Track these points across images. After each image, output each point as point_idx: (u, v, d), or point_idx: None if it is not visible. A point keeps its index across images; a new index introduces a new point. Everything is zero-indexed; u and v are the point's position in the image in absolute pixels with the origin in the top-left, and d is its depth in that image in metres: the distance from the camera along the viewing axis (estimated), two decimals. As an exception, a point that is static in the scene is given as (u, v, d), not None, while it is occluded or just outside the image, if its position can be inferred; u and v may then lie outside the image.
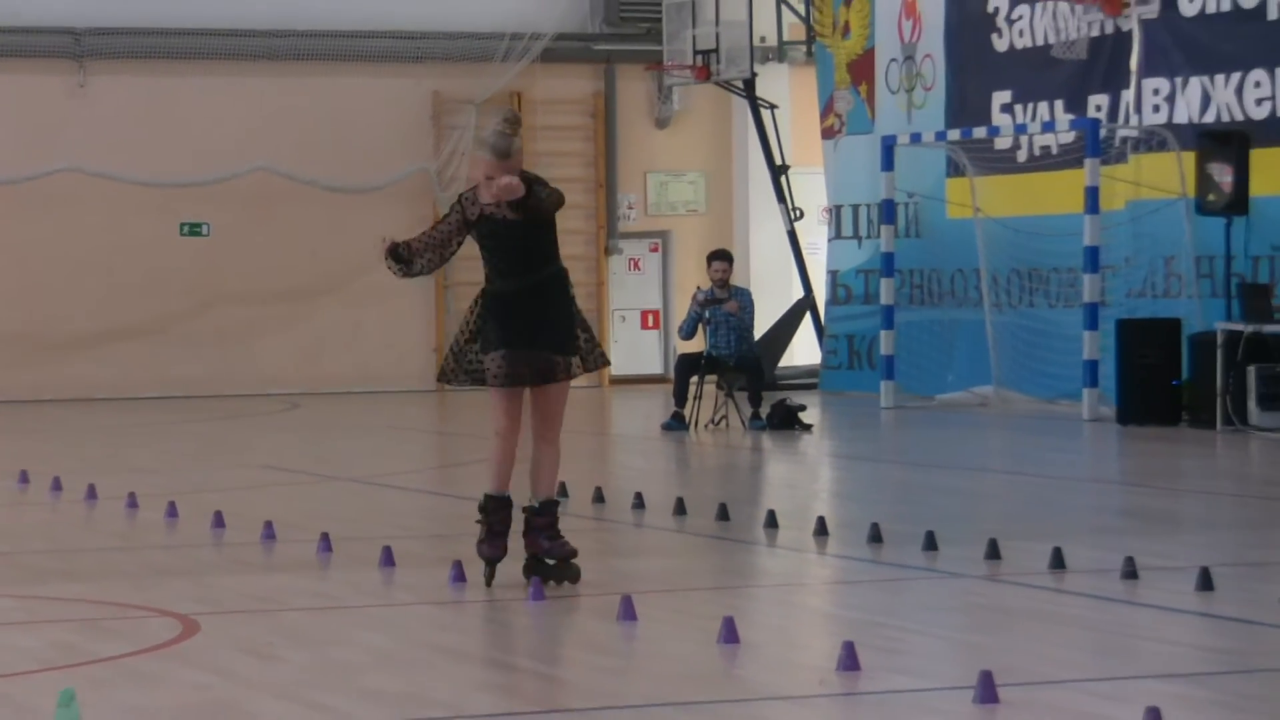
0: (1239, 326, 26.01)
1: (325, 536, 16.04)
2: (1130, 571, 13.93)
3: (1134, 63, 30.08)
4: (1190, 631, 12.36)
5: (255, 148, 36.31)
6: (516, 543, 13.76)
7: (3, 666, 11.24)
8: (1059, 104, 31.04)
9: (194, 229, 36.45)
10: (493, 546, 13.68)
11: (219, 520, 17.46)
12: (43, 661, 11.47)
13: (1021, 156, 31.68)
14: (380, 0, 36.84)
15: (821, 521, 16.68)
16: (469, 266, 37.52)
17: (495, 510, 13.75)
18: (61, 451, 24.70)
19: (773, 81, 37.07)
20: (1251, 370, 25.75)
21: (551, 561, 13.69)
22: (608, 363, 14.35)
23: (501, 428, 14.05)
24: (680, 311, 31.97)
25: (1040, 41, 31.68)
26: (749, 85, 36.34)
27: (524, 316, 13.63)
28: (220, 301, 36.33)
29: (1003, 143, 31.74)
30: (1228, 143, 27.55)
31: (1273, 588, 13.06)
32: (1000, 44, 32.41)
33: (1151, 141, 29.37)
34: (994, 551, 14.94)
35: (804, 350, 35.87)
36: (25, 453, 24.25)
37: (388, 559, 15.01)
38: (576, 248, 38.28)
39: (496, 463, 13.96)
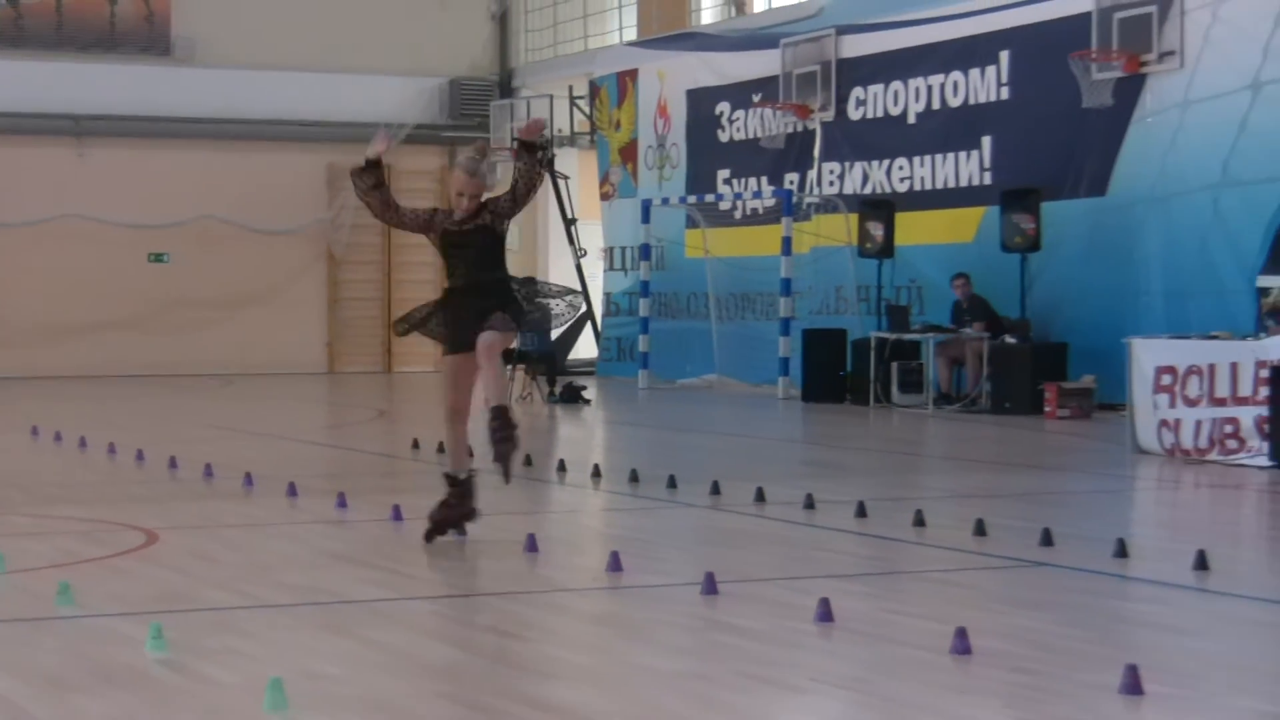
0: (886, 335, 26.20)
1: (249, 475, 15.94)
2: (810, 503, 14.00)
3: (816, 151, 30.23)
4: (851, 545, 12.45)
5: (202, 201, 36.13)
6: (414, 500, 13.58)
7: (20, 564, 11.13)
8: (764, 178, 31.16)
9: (158, 257, 36.19)
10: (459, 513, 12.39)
11: (174, 463, 17.30)
12: (49, 561, 11.38)
13: (738, 215, 31.77)
14: (291, 98, 36.63)
15: (597, 467, 16.70)
16: (354, 285, 37.52)
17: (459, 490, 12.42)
18: (62, 413, 24.42)
19: (566, 159, 37.00)
20: (895, 365, 25.97)
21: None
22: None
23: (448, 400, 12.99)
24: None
25: (751, 135, 31.80)
26: (550, 162, 36.30)
27: (471, 302, 12.37)
28: (176, 307, 36.07)
29: (725, 205, 31.84)
30: (880, 208, 27.74)
31: (907, 515, 13.15)
32: (724, 136, 32.52)
33: (827, 206, 29.53)
34: (716, 489, 14.99)
35: (586, 347, 35.86)
36: (35, 414, 23.95)
37: (293, 490, 14.92)
38: (429, 274, 38.19)
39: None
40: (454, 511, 12.21)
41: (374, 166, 12.45)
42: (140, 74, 35.85)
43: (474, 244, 12.39)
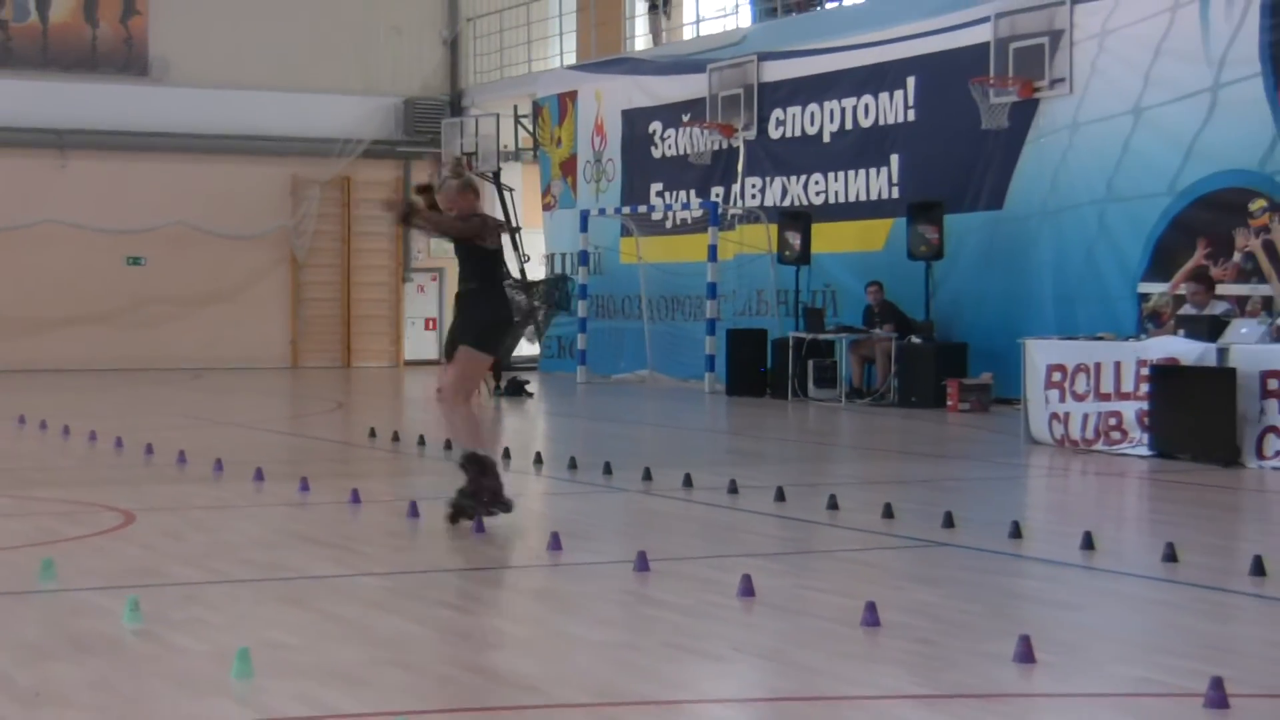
0: (803, 335, 26.24)
1: (219, 460, 15.88)
2: (733, 489, 14.02)
3: (740, 167, 30.26)
4: (770, 527, 12.45)
5: (175, 208, 36.06)
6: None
7: (5, 542, 11.07)
8: (692, 191, 31.18)
9: (134, 260, 36.05)
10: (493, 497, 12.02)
11: (149, 449, 17.24)
12: (31, 539, 11.30)
13: (668, 224, 31.78)
14: (257, 114, 36.56)
15: (538, 455, 16.70)
16: (315, 286, 37.38)
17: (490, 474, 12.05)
18: (46, 403, 24.28)
19: (511, 173, 36.95)
20: (810, 363, 26.01)
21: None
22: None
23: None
24: (449, 320, 31.80)
25: (681, 152, 31.81)
26: (496, 175, 36.17)
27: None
28: (150, 305, 36.00)
29: (656, 215, 31.83)
30: (798, 219, 27.78)
31: (821, 499, 13.17)
32: (656, 153, 32.53)
33: (750, 217, 29.57)
34: (648, 475, 14.99)
35: (529, 344, 35.81)
36: (21, 404, 23.81)
37: (259, 475, 14.87)
38: (384, 276, 38.15)
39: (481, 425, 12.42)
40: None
41: (406, 216, 12.29)
42: (119, 92, 35.74)
43: (460, 254, 12.42)
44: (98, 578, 9.84)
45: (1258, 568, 10.05)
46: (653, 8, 34.50)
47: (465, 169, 13.47)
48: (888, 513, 12.43)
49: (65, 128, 35.30)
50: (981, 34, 25.25)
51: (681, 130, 31.73)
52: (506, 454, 16.97)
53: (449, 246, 12.52)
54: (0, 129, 34.76)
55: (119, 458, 17.13)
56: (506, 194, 36.12)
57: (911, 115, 26.96)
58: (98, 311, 35.61)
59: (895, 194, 27.06)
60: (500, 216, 36.14)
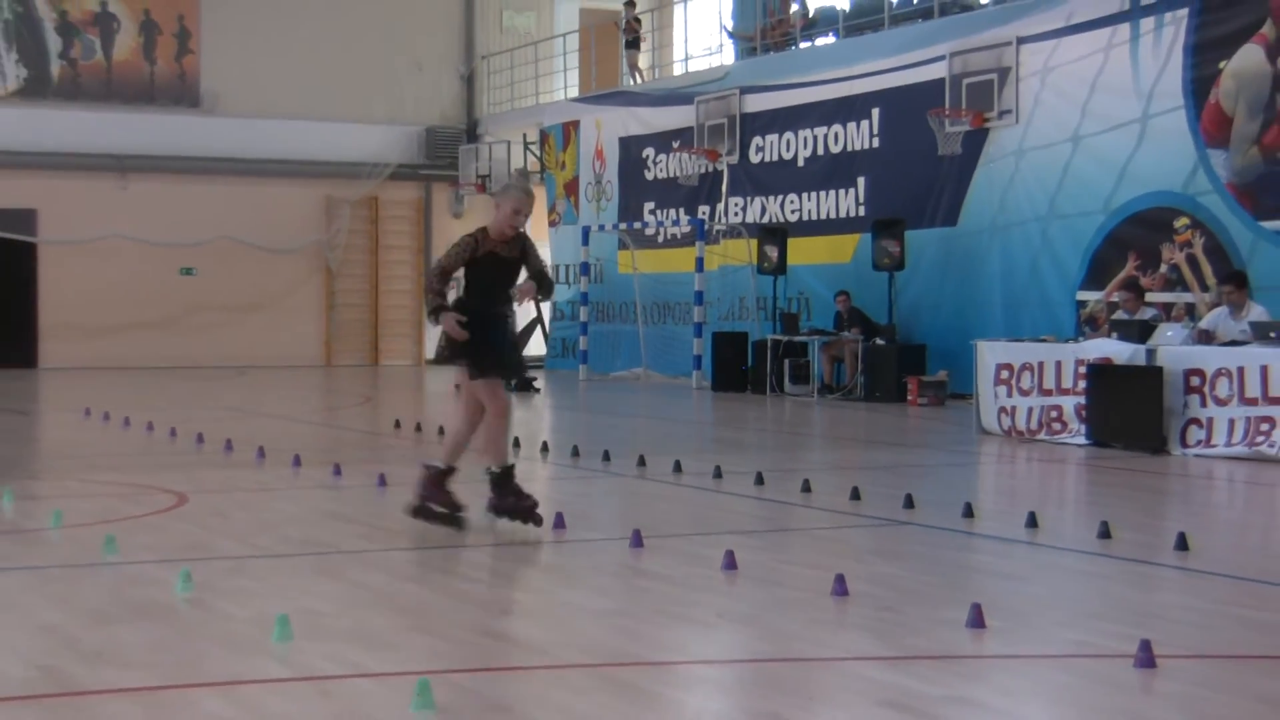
0: (780, 337, 26.24)
1: (261, 448, 15.88)
2: (718, 474, 14.01)
3: (724, 187, 30.25)
4: (749, 507, 12.44)
5: (222, 224, 35.99)
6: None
7: (73, 520, 11.05)
8: (681, 209, 31.17)
9: (187, 270, 35.96)
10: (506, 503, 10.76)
11: (200, 438, 17.24)
12: (97, 518, 11.28)
13: (660, 239, 31.77)
14: (295, 141, 36.50)
15: (545, 444, 16.68)
16: (346, 293, 37.32)
17: (511, 478, 10.76)
18: (108, 397, 24.27)
19: (521, 193, 36.96)
20: (786, 362, 26.00)
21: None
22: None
23: (507, 405, 10.95)
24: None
25: (672, 174, 31.82)
26: (507, 196, 36.27)
27: (502, 331, 10.70)
28: (201, 311, 35.92)
29: (649, 231, 31.82)
30: (775, 234, 27.77)
31: (796, 483, 13.16)
32: (649, 175, 32.52)
33: (733, 232, 29.56)
34: (642, 462, 14.98)
35: (537, 346, 35.80)
36: (86, 398, 23.82)
37: (296, 461, 14.86)
38: (407, 285, 38.09)
39: (504, 438, 10.82)
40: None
41: (438, 310, 10.61)
42: (173, 122, 35.69)
43: (509, 270, 10.69)
44: (154, 552, 9.83)
45: (1182, 543, 10.06)
46: (630, 45, 34.55)
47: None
48: (855, 495, 12.42)
49: (126, 153, 35.25)
50: (938, 70, 25.26)
51: (672, 155, 31.72)
52: (516, 443, 16.97)
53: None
54: (70, 154, 34.76)
55: (173, 446, 17.11)
56: (517, 212, 36.16)
57: (876, 142, 26.96)
58: (155, 316, 35.57)
59: (861, 212, 27.05)
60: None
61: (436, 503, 10.77)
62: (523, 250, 10.69)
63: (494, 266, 10.60)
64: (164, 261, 35.66)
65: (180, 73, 35.99)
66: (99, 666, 6.80)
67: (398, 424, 19.73)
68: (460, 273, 10.75)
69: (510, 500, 10.73)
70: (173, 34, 35.91)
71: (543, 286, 10.66)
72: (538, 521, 10.67)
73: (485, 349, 10.64)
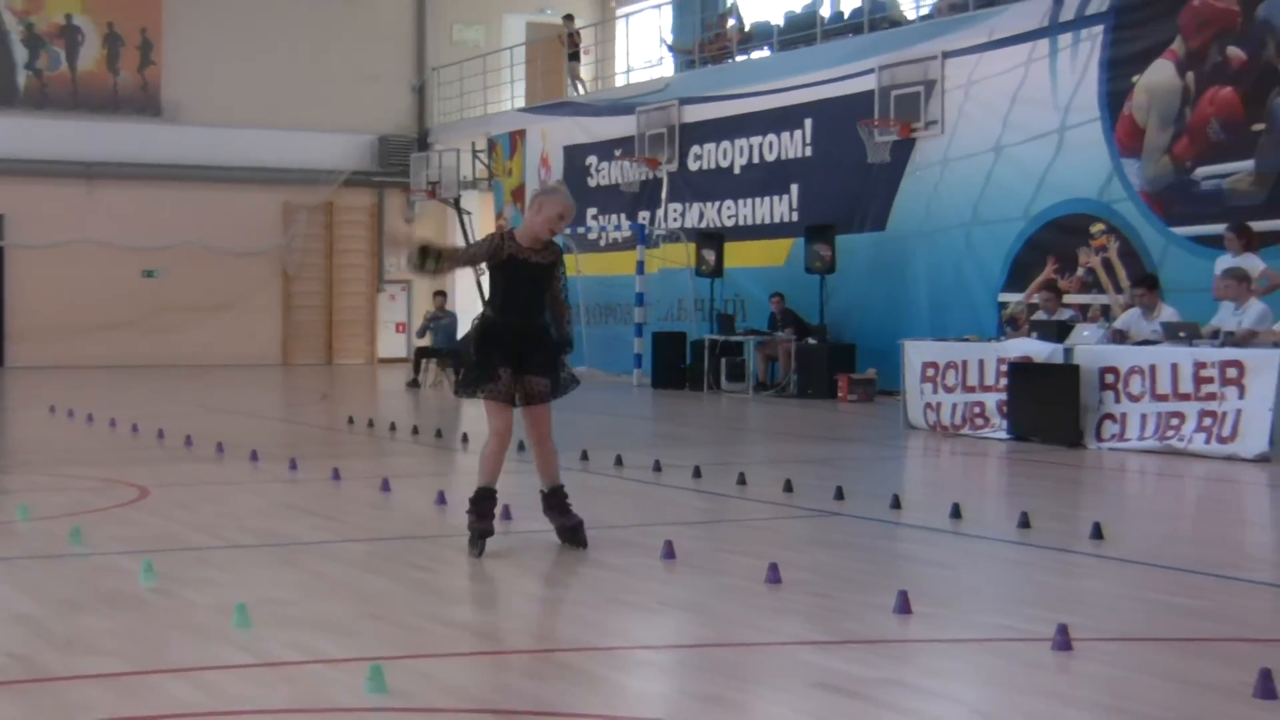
0: (717, 337, 26.29)
1: (220, 443, 15.82)
2: (658, 467, 14.04)
3: (664, 194, 30.30)
4: (688, 499, 12.45)
5: (185, 229, 35.93)
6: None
7: (41, 513, 10.99)
8: (623, 215, 31.21)
9: (150, 273, 35.88)
10: (482, 524, 9.55)
11: (161, 434, 17.18)
12: (63, 510, 11.23)
13: (602, 243, 31.81)
14: (255, 149, 36.48)
15: (494, 439, 16.69)
16: (303, 295, 37.20)
17: (483, 499, 9.64)
18: (73, 395, 24.13)
19: (470, 199, 36.95)
20: (723, 360, 26.07)
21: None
22: (577, 382, 10.02)
23: (499, 428, 9.74)
24: (418, 323, 31.72)
25: (613, 181, 31.84)
26: (457, 201, 36.23)
27: (522, 346, 9.41)
28: (163, 312, 35.82)
29: (593, 235, 31.85)
30: (712, 238, 27.84)
31: (732, 476, 13.19)
32: (592, 182, 32.54)
33: (672, 236, 29.61)
34: (585, 456, 15.00)
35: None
36: (52, 395, 23.68)
37: (255, 456, 14.82)
38: (361, 287, 37.99)
39: (489, 461, 9.75)
40: (567, 519, 9.83)
41: (422, 252, 9.21)
42: (137, 131, 35.54)
43: (538, 278, 9.39)
44: (120, 543, 9.78)
45: (1097, 532, 10.14)
46: (571, 57, 34.62)
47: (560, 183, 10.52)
48: (788, 487, 12.46)
49: (92, 161, 35.09)
50: (867, 83, 25.35)
51: (614, 163, 31.74)
52: (465, 439, 16.95)
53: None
54: (36, 161, 34.60)
55: (137, 441, 17.02)
56: (465, 217, 36.17)
57: (809, 151, 27.04)
58: (119, 318, 35.41)
59: (795, 218, 27.13)
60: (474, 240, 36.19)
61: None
62: (555, 260, 9.41)
63: (519, 271, 9.31)
64: (129, 265, 35.53)
65: (143, 83, 35.81)
66: (68, 654, 6.77)
67: (351, 420, 19.69)
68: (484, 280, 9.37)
69: (554, 518, 9.88)
70: (136, 46, 35.73)
71: (556, 314, 9.53)
72: (580, 543, 9.66)
73: (475, 365, 9.56)
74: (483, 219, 36.92)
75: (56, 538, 9.93)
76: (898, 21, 26.42)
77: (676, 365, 27.47)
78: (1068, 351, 17.07)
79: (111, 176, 35.31)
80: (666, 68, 33.02)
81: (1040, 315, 18.95)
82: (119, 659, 6.66)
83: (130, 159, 35.35)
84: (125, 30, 35.61)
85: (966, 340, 19.01)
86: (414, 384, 27.91)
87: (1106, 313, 20.23)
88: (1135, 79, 21.22)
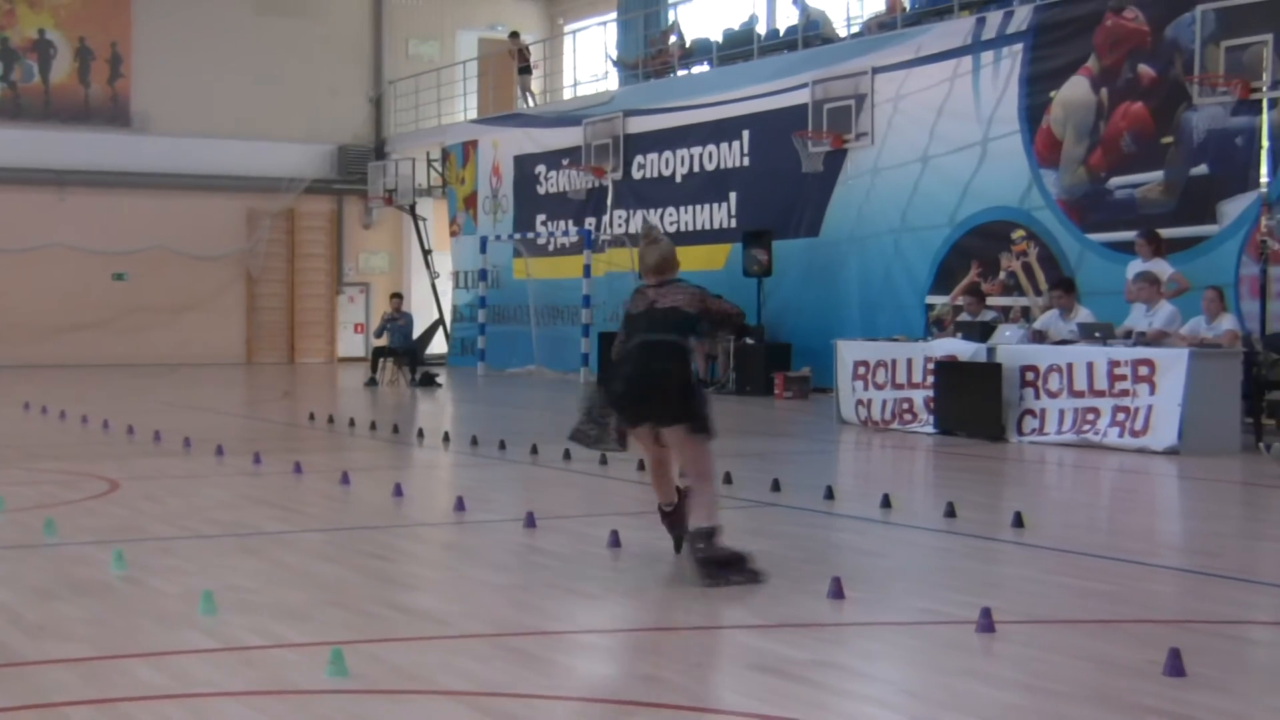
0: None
1: (187, 438, 15.73)
2: (603, 460, 13.97)
3: (609, 201, 30.25)
4: (633, 491, 12.42)
5: (153, 234, 35.55)
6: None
7: (15, 505, 10.91)
8: (570, 221, 31.15)
9: (119, 276, 35.52)
10: (673, 533, 8.91)
11: (131, 430, 17.06)
12: (36, 502, 11.15)
13: (551, 247, 31.74)
14: (220, 158, 36.10)
15: (446, 434, 16.65)
16: (266, 297, 37.01)
17: (665, 518, 9.03)
18: (46, 393, 23.95)
19: (425, 205, 36.81)
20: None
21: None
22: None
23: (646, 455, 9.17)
24: (375, 324, 31.60)
25: (562, 189, 31.77)
26: (413, 208, 36.09)
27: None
28: (133, 313, 35.48)
29: (541, 240, 31.79)
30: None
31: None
32: (541, 190, 32.46)
33: (617, 242, 29.56)
34: (535, 450, 15.00)
35: (439, 345, 35.67)
36: (26, 393, 23.49)
37: (220, 450, 14.74)
38: (321, 290, 37.80)
39: (652, 483, 9.10)
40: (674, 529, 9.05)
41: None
42: (107, 140, 35.23)
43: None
44: (90, 534, 9.72)
45: (1018, 521, 10.20)
46: (521, 71, 34.59)
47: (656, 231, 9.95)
48: (728, 479, 12.46)
49: (64, 169, 34.76)
50: (802, 97, 25.40)
51: (562, 172, 31.68)
52: (420, 434, 16.91)
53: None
54: (10, 169, 34.27)
55: (107, 436, 16.91)
56: (421, 223, 36.11)
57: (746, 161, 27.07)
58: (90, 318, 35.11)
59: (733, 224, 27.16)
60: (428, 245, 36.12)
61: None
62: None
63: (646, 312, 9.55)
64: (100, 269, 35.25)
65: (113, 95, 35.54)
66: (41, 639, 6.72)
67: (312, 416, 19.61)
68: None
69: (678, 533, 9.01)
70: (106, 59, 35.46)
71: None
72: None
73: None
74: (437, 225, 36.84)
75: (30, 529, 9.86)
76: (830, 39, 26.49)
77: (621, 364, 27.42)
78: (990, 351, 17.15)
79: (83, 184, 35.02)
80: (612, 81, 33.00)
81: (964, 317, 19.03)
82: (89, 644, 6.62)
83: (101, 167, 35.07)
84: (96, 44, 35.34)
85: (896, 340, 19.07)
86: (372, 382, 27.80)
87: (1026, 314, 20.33)
88: (1053, 94, 21.33)
